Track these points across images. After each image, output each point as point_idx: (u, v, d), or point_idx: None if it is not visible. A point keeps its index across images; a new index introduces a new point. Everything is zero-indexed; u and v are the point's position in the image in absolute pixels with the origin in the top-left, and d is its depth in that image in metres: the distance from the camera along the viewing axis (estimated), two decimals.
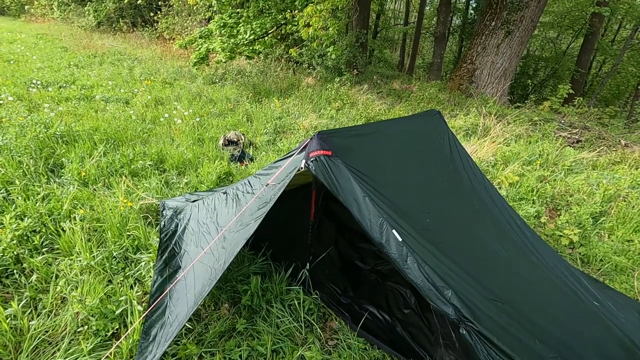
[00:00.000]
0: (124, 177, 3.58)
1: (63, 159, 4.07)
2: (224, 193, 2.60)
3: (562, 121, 7.47)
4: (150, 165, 4.20)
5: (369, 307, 2.57)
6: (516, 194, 4.30)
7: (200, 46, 8.53)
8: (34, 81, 7.62)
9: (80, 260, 2.52)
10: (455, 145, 2.66)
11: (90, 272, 2.48)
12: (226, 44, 7.87)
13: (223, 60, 7.96)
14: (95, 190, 3.65)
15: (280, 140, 5.70)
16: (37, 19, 21.92)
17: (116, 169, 4.00)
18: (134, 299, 2.24)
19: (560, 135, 6.46)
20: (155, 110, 6.62)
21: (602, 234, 3.73)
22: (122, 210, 2.98)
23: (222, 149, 5.12)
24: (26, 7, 22.76)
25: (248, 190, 2.32)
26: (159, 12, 16.25)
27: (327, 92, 8.10)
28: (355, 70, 10.48)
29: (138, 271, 2.52)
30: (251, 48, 8.18)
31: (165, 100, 7.39)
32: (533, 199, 4.19)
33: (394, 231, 1.74)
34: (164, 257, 2.47)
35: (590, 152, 5.58)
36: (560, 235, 3.60)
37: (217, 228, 2.38)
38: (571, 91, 9.94)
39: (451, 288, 1.70)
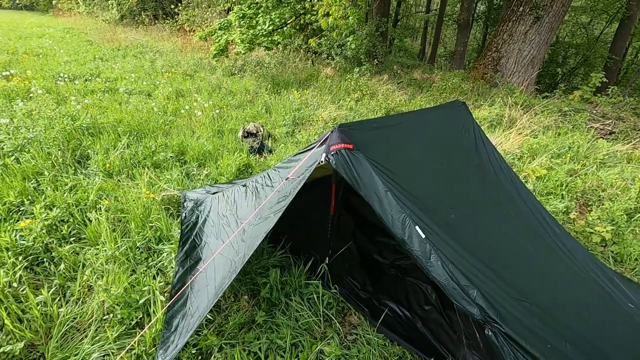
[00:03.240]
0: (146, 169, 3.65)
1: (89, 151, 4.18)
2: (244, 186, 2.60)
3: (594, 111, 7.09)
4: (171, 157, 4.26)
5: (389, 302, 2.53)
6: (544, 188, 4.12)
7: (219, 38, 8.55)
8: (62, 74, 7.85)
9: (105, 250, 2.59)
10: (480, 138, 2.55)
11: (115, 262, 2.55)
12: (245, 35, 7.85)
13: (242, 51, 7.96)
14: (119, 181, 3.73)
15: (299, 132, 5.67)
16: (64, 14, 22.60)
17: (139, 160, 4.08)
18: (156, 289, 2.29)
19: (592, 127, 6.14)
20: (176, 102, 6.71)
21: (638, 231, 3.53)
22: (145, 202, 3.04)
23: (242, 141, 5.14)
24: (54, 2, 23.47)
25: (267, 184, 2.31)
26: (179, 4, 16.40)
27: (346, 82, 7.99)
28: (375, 60, 10.28)
29: (160, 262, 2.57)
30: (270, 39, 8.13)
31: (185, 92, 7.48)
32: (562, 194, 4.01)
33: (417, 227, 1.68)
34: (185, 248, 2.50)
35: (625, 144, 5.28)
36: (591, 232, 3.43)
37: (237, 221, 2.38)
38: (604, 80, 9.42)
39: (476, 287, 1.63)
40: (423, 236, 1.67)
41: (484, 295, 1.63)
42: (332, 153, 1.70)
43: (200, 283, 2.12)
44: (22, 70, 7.99)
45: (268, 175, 2.36)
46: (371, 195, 1.70)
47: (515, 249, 2.10)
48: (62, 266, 2.49)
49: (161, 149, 4.42)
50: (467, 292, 1.62)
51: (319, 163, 1.75)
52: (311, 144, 1.94)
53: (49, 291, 2.24)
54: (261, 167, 4.25)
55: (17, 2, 30.67)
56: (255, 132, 5.25)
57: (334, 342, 2.16)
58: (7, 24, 17.33)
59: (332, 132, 1.75)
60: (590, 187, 4.12)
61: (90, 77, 8.14)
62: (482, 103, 7.05)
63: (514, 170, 4.38)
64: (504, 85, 9.70)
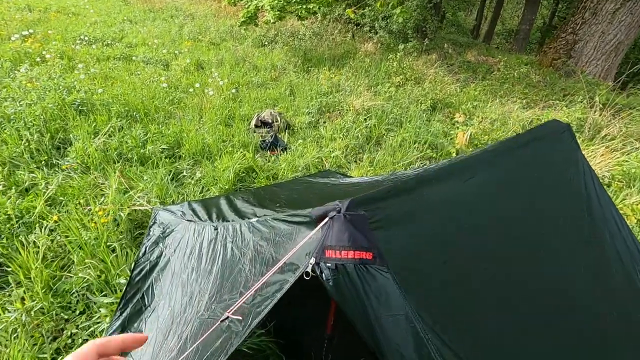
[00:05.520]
0: (117, 171, 2.95)
1: (72, 135, 3.56)
2: (215, 229, 1.80)
3: None
4: (164, 149, 3.55)
5: None
6: None
7: (248, 3, 7.60)
8: (83, 36, 7.34)
9: (15, 309, 1.84)
10: (594, 190, 1.56)
11: (24, 328, 1.80)
12: (276, 2, 6.83)
13: (272, 20, 6.99)
14: (95, 178, 3.09)
15: (324, 123, 4.76)
16: None
17: (124, 152, 3.40)
18: None
19: None
20: (193, 75, 5.97)
21: None
22: (102, 222, 2.35)
23: (254, 131, 4.33)
24: None
25: (239, 244, 1.49)
26: None
27: (388, 63, 6.84)
28: (425, 38, 8.91)
29: (90, 328, 1.85)
30: (305, 7, 7.06)
31: (206, 64, 6.72)
32: None
33: None
34: (125, 312, 1.78)
35: None
36: None
37: (190, 289, 1.61)
38: None
39: None
40: None
41: None
42: (330, 266, 0.83)
43: None
44: (45, 30, 7.54)
45: (243, 230, 1.53)
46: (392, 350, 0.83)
47: None
48: None
49: (155, 137, 3.72)
50: None
51: (305, 274, 0.89)
52: (300, 215, 1.04)
53: None
54: (269, 172, 3.44)
55: None
56: (270, 121, 4.41)
57: None
58: None
59: (332, 218, 0.85)
60: None
61: (111, 41, 7.57)
62: (556, 101, 5.70)
63: None
64: (581, 75, 8.04)
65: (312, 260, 0.84)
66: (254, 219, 1.43)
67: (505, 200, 1.19)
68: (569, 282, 1.20)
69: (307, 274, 0.85)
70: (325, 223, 0.84)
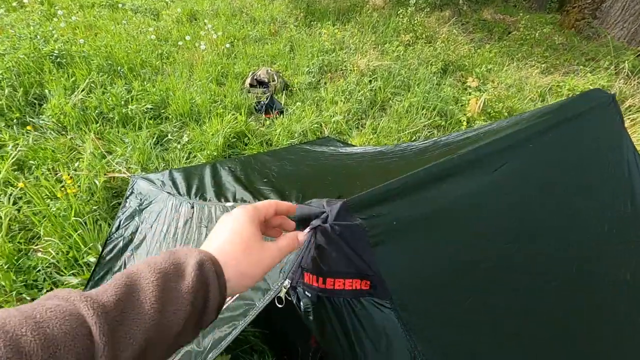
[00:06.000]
0: (92, 134, 2.67)
1: (48, 90, 3.25)
2: (192, 207, 1.58)
3: None
4: (149, 109, 3.25)
5: None
6: None
7: None
8: None
9: None
10: (638, 176, 1.30)
11: None
12: None
13: None
14: (72, 139, 2.83)
15: (325, 84, 4.39)
16: None
17: (104, 111, 3.11)
18: None
19: None
20: (185, 27, 5.48)
21: None
22: (73, 193, 2.11)
23: (248, 91, 3.99)
24: None
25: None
26: None
27: (398, 19, 6.27)
28: None
29: None
30: None
31: (200, 15, 6.17)
32: None
33: None
34: None
35: None
36: None
37: None
38: None
39: None
40: None
41: None
42: (309, 294, 0.59)
43: None
44: None
45: (217, 216, 1.30)
46: None
47: None
48: None
49: (140, 95, 3.40)
50: None
51: (277, 299, 0.65)
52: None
53: None
54: (262, 138, 3.16)
55: None
56: (266, 81, 4.05)
57: None
58: None
59: (314, 229, 0.60)
60: None
61: None
62: (579, 66, 5.24)
63: None
64: (611, 40, 7.40)
65: (287, 283, 0.62)
66: (229, 204, 1.19)
67: (543, 198, 0.94)
68: (616, 304, 0.98)
69: (279, 299, 0.63)
70: (319, 217, 0.60)
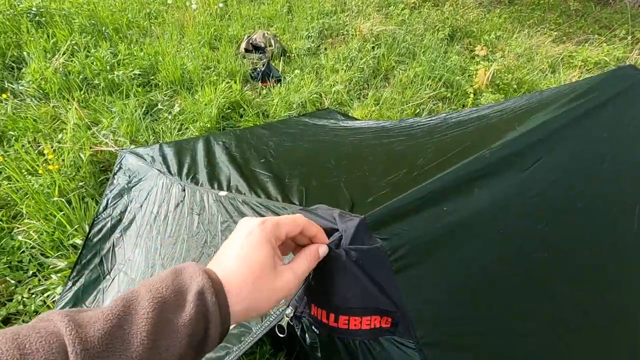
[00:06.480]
0: (75, 103, 2.48)
1: (25, 53, 3.01)
2: (183, 189, 1.46)
3: None
4: (137, 74, 3.03)
5: None
6: None
7: None
8: None
9: None
10: None
11: None
12: None
13: None
14: (55, 107, 2.65)
15: (325, 50, 4.13)
16: None
17: (89, 77, 2.89)
18: None
19: None
20: None
21: None
22: (57, 168, 1.97)
23: (243, 57, 3.74)
24: None
25: (204, 221, 1.16)
26: None
27: None
28: None
29: (46, 292, 1.60)
30: None
31: None
32: None
33: None
34: (79, 282, 1.51)
35: None
36: None
37: (154, 254, 1.33)
38: None
39: None
40: None
41: None
42: (317, 331, 0.49)
43: None
44: None
45: (210, 204, 1.18)
46: None
47: None
48: None
49: (127, 60, 3.17)
50: None
51: (277, 328, 0.55)
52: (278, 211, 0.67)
53: None
54: (258, 109, 2.98)
55: None
56: (263, 45, 3.79)
57: None
58: None
59: (333, 241, 0.49)
60: None
61: None
62: (594, 35, 4.96)
63: None
64: (630, 8, 7.00)
65: (289, 312, 0.52)
66: (223, 193, 1.08)
67: (586, 199, 0.83)
68: None
69: (280, 328, 0.54)
70: (348, 227, 0.49)
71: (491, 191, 0.65)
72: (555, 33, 5.03)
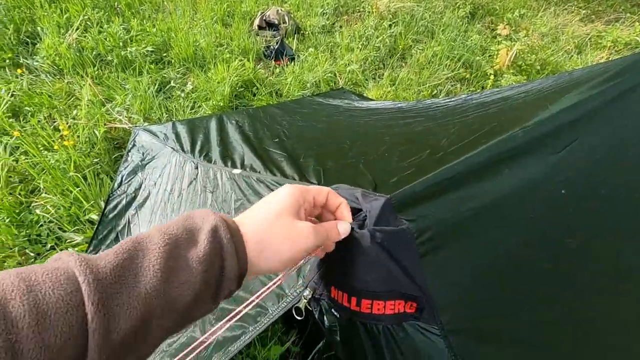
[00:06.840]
0: (89, 79, 2.47)
1: (39, 28, 2.99)
2: (196, 167, 1.45)
3: None
4: (150, 51, 3.00)
5: None
6: None
7: None
8: None
9: None
10: None
11: None
12: None
13: None
14: (69, 83, 2.65)
15: (340, 27, 4.01)
16: None
17: (102, 53, 2.88)
18: None
19: None
20: None
21: None
22: (72, 144, 1.97)
23: (257, 34, 3.66)
24: None
25: (218, 199, 1.14)
26: None
27: None
28: None
29: None
30: None
31: None
32: None
33: None
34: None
35: None
36: None
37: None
38: None
39: None
40: None
41: None
42: (337, 314, 0.47)
43: None
44: None
45: (224, 182, 1.17)
46: None
47: None
48: None
49: (140, 36, 3.13)
50: None
51: (295, 310, 0.53)
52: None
53: None
54: (271, 88, 2.93)
55: None
56: (276, 22, 3.69)
57: None
58: None
59: (357, 221, 0.48)
60: None
61: None
62: (626, 14, 4.68)
63: None
64: None
65: (307, 293, 0.50)
66: (237, 170, 1.06)
67: (609, 186, 0.78)
68: None
69: (298, 310, 0.52)
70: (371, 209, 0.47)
71: (521, 173, 0.61)
72: (584, 11, 4.76)
